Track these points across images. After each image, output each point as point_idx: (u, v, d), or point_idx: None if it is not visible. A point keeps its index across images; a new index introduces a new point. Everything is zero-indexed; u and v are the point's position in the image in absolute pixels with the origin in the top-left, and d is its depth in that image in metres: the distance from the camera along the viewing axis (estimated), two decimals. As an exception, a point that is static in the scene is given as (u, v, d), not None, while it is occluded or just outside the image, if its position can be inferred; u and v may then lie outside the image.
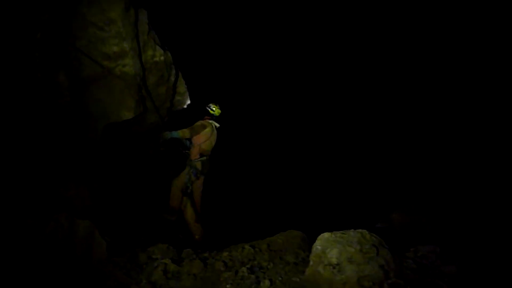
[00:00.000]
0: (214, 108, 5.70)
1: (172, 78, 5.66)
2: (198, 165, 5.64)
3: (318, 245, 2.57)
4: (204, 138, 5.58)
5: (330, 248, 2.47)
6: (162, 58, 5.24)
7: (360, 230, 2.58)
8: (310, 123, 14.27)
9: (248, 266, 3.24)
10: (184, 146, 5.76)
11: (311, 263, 2.59)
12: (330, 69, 14.78)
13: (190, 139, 5.65)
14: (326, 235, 2.58)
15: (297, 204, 9.40)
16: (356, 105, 14.30)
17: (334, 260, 2.42)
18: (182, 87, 6.12)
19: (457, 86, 12.16)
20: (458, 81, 12.13)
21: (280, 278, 2.88)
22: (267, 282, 2.75)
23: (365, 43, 14.50)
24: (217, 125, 5.78)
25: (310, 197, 9.85)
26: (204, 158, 5.71)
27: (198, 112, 5.78)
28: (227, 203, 8.30)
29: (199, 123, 5.56)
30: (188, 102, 6.36)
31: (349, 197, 9.66)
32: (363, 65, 14.55)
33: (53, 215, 3.30)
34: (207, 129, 5.59)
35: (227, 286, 2.89)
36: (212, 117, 5.73)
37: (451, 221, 4.85)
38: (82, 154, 4.76)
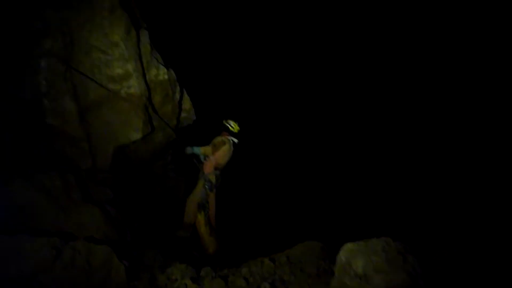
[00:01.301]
0: (233, 125, 5.86)
1: (177, 96, 5.67)
2: (213, 179, 5.72)
3: (342, 256, 2.51)
4: (222, 153, 5.72)
5: (355, 258, 2.42)
6: (166, 76, 5.25)
7: (383, 238, 2.52)
8: (319, 129, 14.23)
9: (269, 281, 3.19)
10: (198, 159, 5.80)
11: (336, 274, 2.53)
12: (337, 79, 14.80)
13: (198, 156, 5.73)
14: (349, 245, 2.53)
15: (310, 213, 9.28)
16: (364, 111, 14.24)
17: (360, 271, 2.37)
18: (187, 103, 6.13)
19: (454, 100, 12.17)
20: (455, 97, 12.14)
21: (304, 292, 2.83)
22: (292, 297, 2.70)
23: (365, 44, 14.52)
24: (236, 141, 5.90)
25: (322, 206, 9.74)
26: (218, 172, 5.75)
27: (216, 128, 5.92)
28: (239, 215, 8.23)
29: (219, 139, 5.68)
30: (194, 118, 6.36)
31: (360, 205, 9.57)
32: (363, 67, 14.57)
33: (69, 241, 3.27)
34: (227, 146, 5.75)
35: (251, 303, 2.84)
36: (231, 133, 5.84)
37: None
38: (94, 178, 4.75)
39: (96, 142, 4.68)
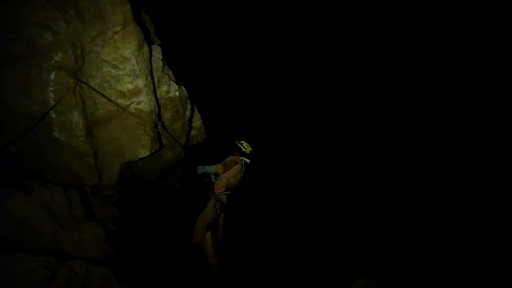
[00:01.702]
0: (246, 146, 5.81)
1: (188, 113, 5.57)
2: (223, 199, 5.61)
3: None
4: (234, 173, 5.63)
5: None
6: (177, 93, 5.17)
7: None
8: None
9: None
10: (209, 179, 5.68)
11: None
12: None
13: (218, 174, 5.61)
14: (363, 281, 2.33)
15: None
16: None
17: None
18: (198, 121, 6.03)
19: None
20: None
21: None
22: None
23: (365, 44, 14.41)
24: (248, 161, 5.84)
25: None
26: (229, 192, 5.68)
27: (228, 148, 5.85)
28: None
29: (231, 158, 5.62)
30: (204, 136, 6.26)
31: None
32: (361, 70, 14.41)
33: (66, 261, 3.12)
34: (238, 166, 5.66)
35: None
36: (243, 153, 5.80)
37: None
38: (99, 194, 4.63)
39: (103, 158, 4.57)
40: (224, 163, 5.51)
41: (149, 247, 5.17)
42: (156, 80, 4.90)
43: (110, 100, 4.40)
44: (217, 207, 5.53)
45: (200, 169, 5.43)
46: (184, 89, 5.46)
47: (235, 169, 5.62)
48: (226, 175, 5.53)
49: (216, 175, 5.55)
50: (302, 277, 6.64)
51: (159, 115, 4.85)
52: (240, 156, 5.77)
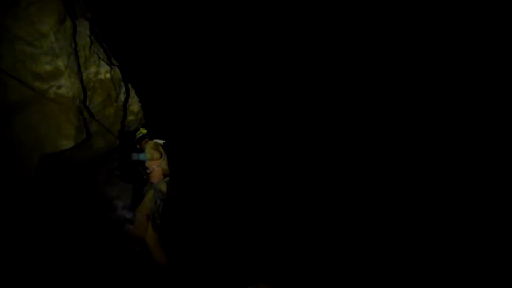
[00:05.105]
0: (142, 130, 5.60)
1: (122, 97, 5.01)
2: (163, 188, 5.39)
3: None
4: (165, 157, 5.45)
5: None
6: (108, 75, 4.59)
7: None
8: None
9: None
10: (145, 169, 5.31)
11: None
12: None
13: (145, 163, 5.24)
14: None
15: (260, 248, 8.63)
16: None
17: None
18: (135, 106, 5.50)
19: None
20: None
21: None
22: None
23: (365, 44, 14.25)
24: (162, 141, 5.63)
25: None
26: (167, 178, 5.45)
27: (132, 140, 5.62)
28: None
29: (150, 143, 5.19)
30: (143, 121, 5.76)
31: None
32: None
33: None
34: (161, 148, 5.47)
35: None
36: (147, 137, 5.56)
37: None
38: (15, 195, 4.03)
39: (19, 150, 3.96)
40: (152, 149, 5.18)
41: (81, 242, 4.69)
42: (82, 60, 4.30)
43: (24, 83, 3.77)
44: (157, 197, 5.30)
45: (135, 156, 5.09)
46: (117, 70, 4.87)
47: (162, 151, 5.45)
48: (156, 163, 5.30)
49: (146, 168, 5.30)
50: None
51: (85, 101, 4.27)
52: (150, 139, 5.52)
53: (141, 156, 5.15)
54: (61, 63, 3.87)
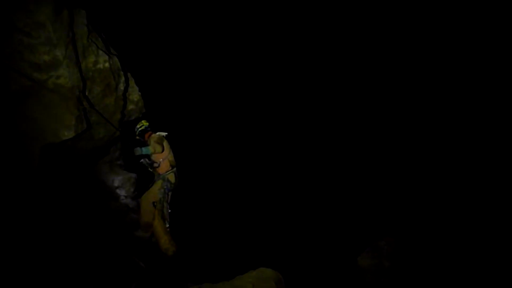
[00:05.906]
0: (144, 123, 5.52)
1: (122, 87, 5.00)
2: (171, 178, 5.45)
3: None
4: (167, 149, 5.43)
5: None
6: (107, 64, 4.58)
7: None
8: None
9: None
10: (151, 162, 5.33)
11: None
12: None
13: (150, 156, 5.25)
14: None
15: (265, 233, 8.69)
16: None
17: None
18: (135, 95, 5.49)
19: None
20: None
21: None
22: None
23: (365, 44, 14.13)
24: (165, 133, 5.58)
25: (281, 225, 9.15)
26: (175, 169, 5.51)
27: (135, 133, 5.55)
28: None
29: (154, 137, 5.20)
30: (144, 110, 5.75)
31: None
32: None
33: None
34: (165, 141, 5.45)
35: None
36: (150, 130, 5.52)
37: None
38: (17, 185, 4.06)
39: (20, 141, 3.98)
40: (155, 142, 5.18)
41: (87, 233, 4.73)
42: (80, 50, 4.29)
43: (22, 74, 3.78)
44: (165, 187, 5.34)
45: (138, 151, 5.11)
46: (116, 59, 4.86)
47: (166, 144, 5.42)
48: (163, 156, 5.32)
49: (153, 162, 5.33)
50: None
51: (84, 90, 4.27)
52: (153, 133, 5.48)
53: (144, 150, 5.13)
54: (59, 53, 3.87)
